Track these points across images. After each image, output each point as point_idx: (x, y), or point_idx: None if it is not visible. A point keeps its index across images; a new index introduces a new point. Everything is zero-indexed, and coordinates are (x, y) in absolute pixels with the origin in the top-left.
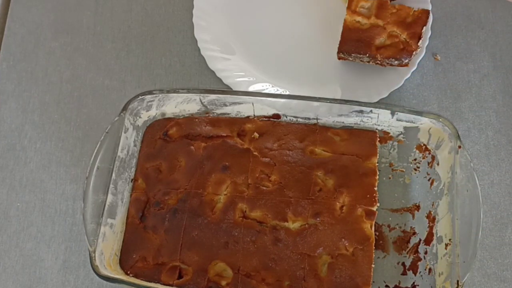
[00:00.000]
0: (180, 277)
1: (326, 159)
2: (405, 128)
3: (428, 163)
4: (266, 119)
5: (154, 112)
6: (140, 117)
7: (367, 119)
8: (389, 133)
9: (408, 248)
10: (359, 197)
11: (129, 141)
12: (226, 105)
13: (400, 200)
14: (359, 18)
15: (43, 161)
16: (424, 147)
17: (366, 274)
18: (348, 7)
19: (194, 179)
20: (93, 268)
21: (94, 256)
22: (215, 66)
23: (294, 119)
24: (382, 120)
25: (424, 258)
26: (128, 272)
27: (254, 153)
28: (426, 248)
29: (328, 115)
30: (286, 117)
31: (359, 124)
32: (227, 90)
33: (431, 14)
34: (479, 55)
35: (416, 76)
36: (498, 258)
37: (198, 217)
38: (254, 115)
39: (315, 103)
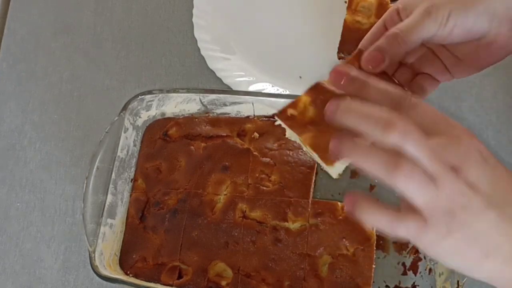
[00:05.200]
0: (180, 277)
1: None
2: None
3: None
4: (266, 119)
5: (154, 112)
6: (140, 117)
7: None
8: None
9: (409, 248)
10: None
11: (129, 141)
12: (226, 105)
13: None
14: (359, 18)
15: (43, 161)
16: None
17: (367, 275)
18: (348, 7)
19: (194, 179)
20: (93, 268)
21: (94, 256)
22: (215, 66)
23: None
24: None
25: (424, 258)
26: (128, 272)
27: (254, 153)
28: None
29: None
30: None
31: None
32: (227, 90)
33: None
34: None
35: None
36: None
37: (198, 217)
38: (254, 115)
39: None
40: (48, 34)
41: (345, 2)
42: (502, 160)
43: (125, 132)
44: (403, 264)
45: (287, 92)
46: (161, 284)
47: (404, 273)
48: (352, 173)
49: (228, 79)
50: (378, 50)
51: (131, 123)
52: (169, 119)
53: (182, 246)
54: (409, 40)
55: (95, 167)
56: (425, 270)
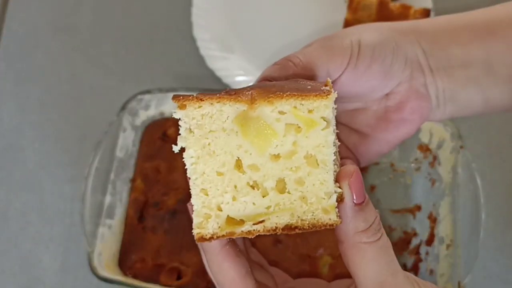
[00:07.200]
0: (179, 278)
1: None
2: None
3: (430, 163)
4: None
5: (152, 112)
6: (138, 117)
7: None
8: None
9: (409, 249)
10: None
11: (128, 141)
12: None
13: (401, 201)
14: (360, 17)
15: (42, 161)
16: (425, 147)
17: None
18: (349, 6)
19: None
20: (91, 269)
21: (93, 257)
22: (214, 65)
23: None
24: None
25: (426, 259)
26: (127, 273)
27: None
28: (427, 249)
29: None
30: None
31: None
32: None
33: (432, 13)
34: None
35: None
36: (500, 259)
37: None
38: None
39: None
40: (47, 33)
41: (345, 1)
42: (504, 160)
43: (124, 132)
44: (404, 264)
45: None
46: (160, 285)
47: None
48: None
49: (227, 78)
50: (265, 78)
51: (130, 123)
52: (168, 119)
53: (182, 247)
54: (310, 65)
55: (94, 167)
56: (426, 271)
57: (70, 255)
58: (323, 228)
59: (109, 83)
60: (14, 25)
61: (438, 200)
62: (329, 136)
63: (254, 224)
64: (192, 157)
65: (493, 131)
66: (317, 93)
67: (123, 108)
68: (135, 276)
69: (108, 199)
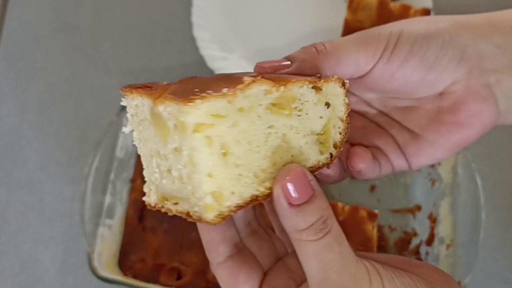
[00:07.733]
0: (179, 278)
1: None
2: None
3: None
4: None
5: None
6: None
7: None
8: None
9: (409, 249)
10: None
11: (128, 141)
12: None
13: (401, 201)
14: (360, 17)
15: (41, 161)
16: None
17: None
18: (349, 6)
19: None
20: (91, 269)
21: (93, 257)
22: (214, 65)
23: None
24: None
25: (426, 259)
26: (127, 273)
27: None
28: (427, 249)
29: None
30: None
31: None
32: None
33: (432, 13)
34: None
35: None
36: (500, 259)
37: None
38: None
39: None
40: (47, 33)
41: (345, 1)
42: (504, 160)
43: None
44: None
45: None
46: (160, 285)
47: None
48: None
49: None
50: (287, 58)
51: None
52: None
53: (182, 247)
54: (335, 54)
55: (94, 167)
56: None
57: (70, 255)
58: (206, 223)
59: (109, 83)
60: (14, 24)
61: (438, 200)
62: (195, 142)
63: (172, 204)
64: (137, 138)
65: (493, 131)
66: (183, 99)
67: (123, 108)
68: (135, 276)
69: (108, 199)
